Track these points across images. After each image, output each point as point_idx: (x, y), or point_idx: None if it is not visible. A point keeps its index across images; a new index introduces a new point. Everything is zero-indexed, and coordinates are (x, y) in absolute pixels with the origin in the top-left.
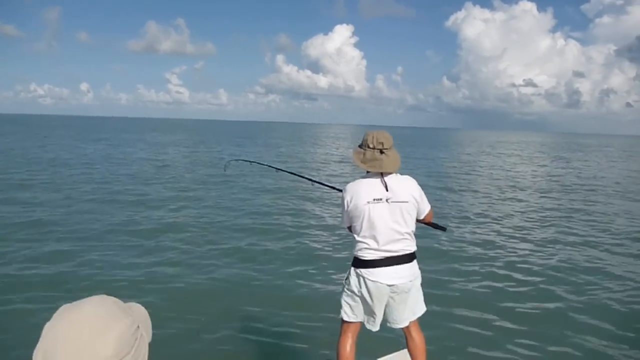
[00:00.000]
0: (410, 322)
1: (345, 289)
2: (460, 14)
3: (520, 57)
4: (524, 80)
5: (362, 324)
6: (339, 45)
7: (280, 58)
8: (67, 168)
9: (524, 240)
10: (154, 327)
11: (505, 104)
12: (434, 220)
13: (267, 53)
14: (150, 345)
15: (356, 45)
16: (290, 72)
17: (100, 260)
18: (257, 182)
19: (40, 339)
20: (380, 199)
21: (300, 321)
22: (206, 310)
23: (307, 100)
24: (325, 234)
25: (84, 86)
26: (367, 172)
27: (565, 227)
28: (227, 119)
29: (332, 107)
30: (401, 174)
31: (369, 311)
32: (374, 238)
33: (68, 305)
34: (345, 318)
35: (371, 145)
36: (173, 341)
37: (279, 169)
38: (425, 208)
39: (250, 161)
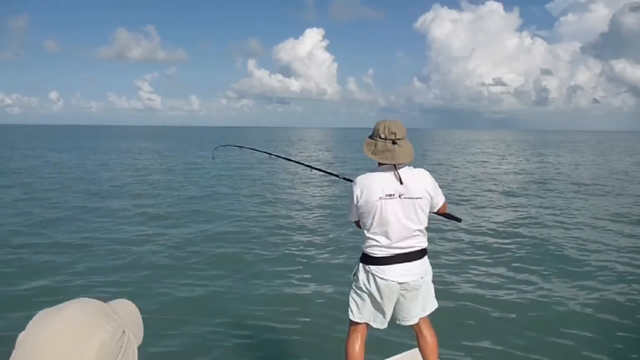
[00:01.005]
0: (420, 319)
1: (353, 286)
2: (428, 15)
3: (489, 57)
4: (493, 79)
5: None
6: (309, 48)
7: (251, 63)
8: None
9: (514, 234)
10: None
11: (476, 103)
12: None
13: (238, 58)
14: (140, 346)
15: (327, 48)
16: (262, 77)
17: (87, 267)
18: (247, 172)
19: (14, 350)
20: (393, 195)
21: (306, 321)
22: (203, 311)
23: (280, 104)
24: (327, 226)
25: (53, 95)
26: (379, 164)
27: (544, 219)
28: (200, 124)
29: (304, 111)
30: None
31: (378, 309)
32: (385, 235)
33: (45, 311)
34: (352, 317)
35: (383, 136)
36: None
37: (272, 154)
38: (439, 201)
39: (239, 146)
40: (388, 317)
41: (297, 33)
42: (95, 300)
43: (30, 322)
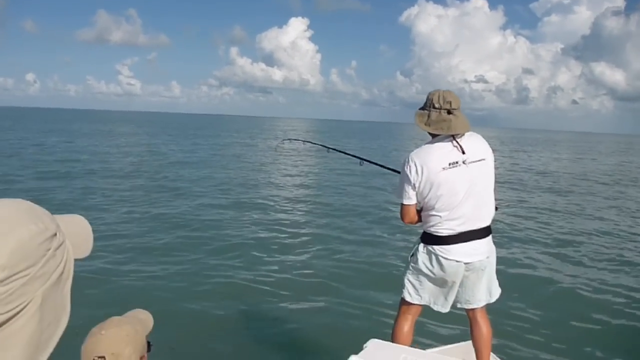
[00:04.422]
0: (483, 304)
1: (410, 267)
2: (413, 10)
3: (472, 54)
4: (475, 76)
5: (423, 306)
6: (293, 38)
7: (234, 50)
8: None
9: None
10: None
11: (446, 89)
12: None
13: (220, 45)
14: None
15: (311, 38)
16: (245, 65)
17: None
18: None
19: None
20: (457, 163)
21: (352, 300)
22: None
23: (262, 94)
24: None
25: (30, 76)
26: (433, 136)
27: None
28: (180, 111)
29: (287, 101)
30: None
31: (440, 292)
32: (453, 210)
33: None
34: (409, 299)
35: (437, 105)
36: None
37: (330, 148)
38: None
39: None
40: (451, 299)
41: (282, 22)
42: (29, 202)
43: None
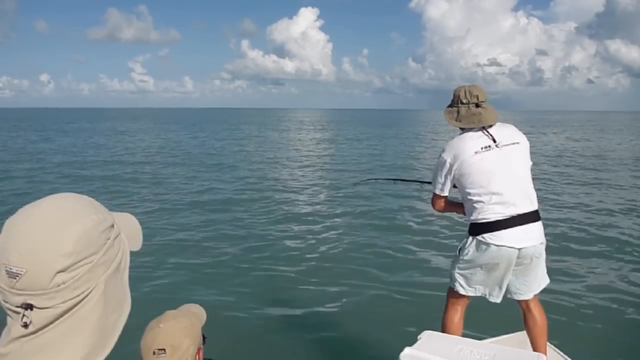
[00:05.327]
0: (533, 294)
1: (460, 261)
2: None
3: (484, 37)
4: (488, 59)
5: (471, 297)
6: (304, 28)
7: (245, 43)
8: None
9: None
10: None
11: (471, 84)
12: None
13: (231, 39)
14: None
15: (322, 28)
16: (256, 58)
17: None
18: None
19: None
20: (489, 146)
21: (404, 295)
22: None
23: (275, 85)
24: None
25: (44, 77)
26: (464, 130)
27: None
28: (194, 106)
29: (300, 92)
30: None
31: (494, 281)
32: (494, 193)
33: (35, 201)
34: (462, 292)
35: (465, 101)
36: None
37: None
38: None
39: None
40: (504, 288)
41: (292, 13)
42: (88, 197)
43: (20, 209)
